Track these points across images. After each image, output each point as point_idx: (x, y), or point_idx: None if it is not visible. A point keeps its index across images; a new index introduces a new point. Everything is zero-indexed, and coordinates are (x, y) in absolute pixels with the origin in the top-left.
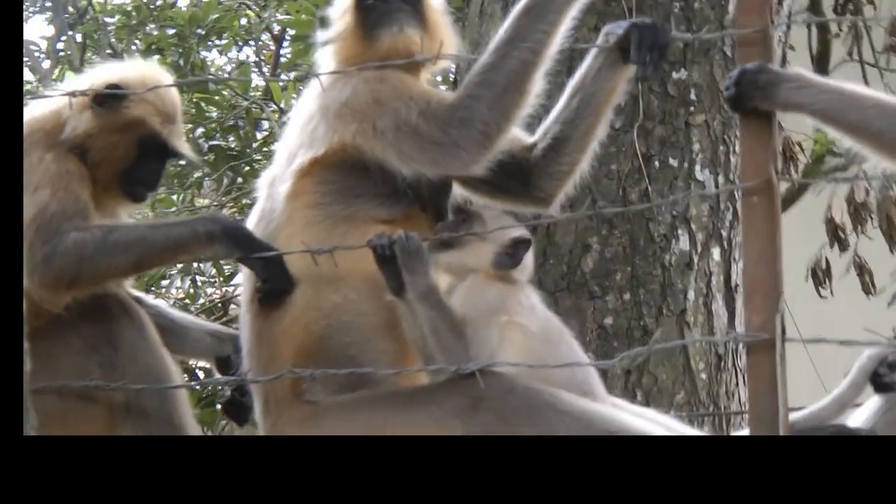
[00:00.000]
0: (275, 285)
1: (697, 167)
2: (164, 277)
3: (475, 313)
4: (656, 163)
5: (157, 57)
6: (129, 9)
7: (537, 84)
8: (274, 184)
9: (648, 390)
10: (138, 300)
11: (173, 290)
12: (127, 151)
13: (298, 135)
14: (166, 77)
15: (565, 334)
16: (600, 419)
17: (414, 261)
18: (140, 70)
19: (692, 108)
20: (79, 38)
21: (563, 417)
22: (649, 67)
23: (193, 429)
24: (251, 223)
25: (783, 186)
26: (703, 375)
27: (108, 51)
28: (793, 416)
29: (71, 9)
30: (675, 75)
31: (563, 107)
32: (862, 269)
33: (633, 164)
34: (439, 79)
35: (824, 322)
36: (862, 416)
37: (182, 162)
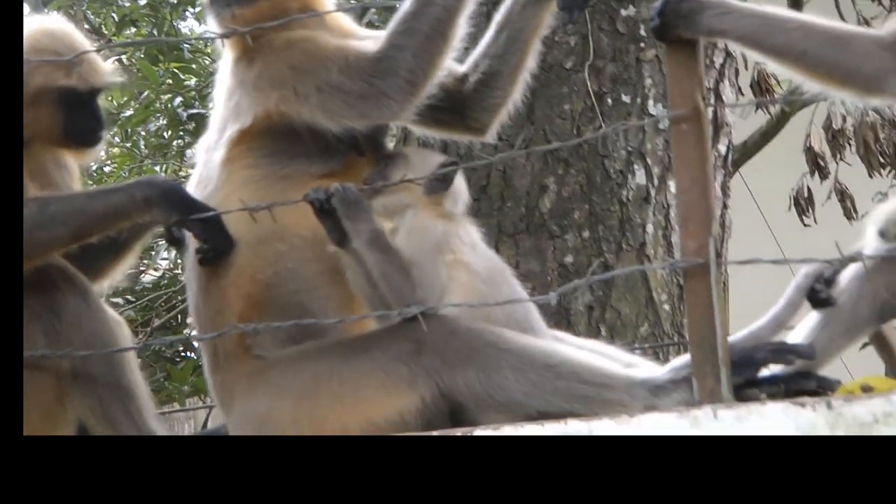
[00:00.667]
0: (214, 246)
1: (650, 102)
2: (151, 249)
3: (421, 254)
4: (609, 100)
5: (133, 30)
6: None
7: (461, 29)
8: (209, 151)
9: (612, 325)
10: None
11: (160, 262)
12: (52, 118)
13: (223, 109)
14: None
15: (506, 272)
16: (541, 354)
17: (354, 209)
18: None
19: (642, 45)
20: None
21: (505, 355)
22: (574, 12)
23: (143, 391)
24: (190, 189)
25: (762, 119)
26: (666, 307)
27: (86, 26)
28: (731, 337)
29: None
30: (623, 12)
31: (492, 41)
32: (843, 195)
33: (585, 103)
34: None
35: (809, 250)
36: (802, 333)
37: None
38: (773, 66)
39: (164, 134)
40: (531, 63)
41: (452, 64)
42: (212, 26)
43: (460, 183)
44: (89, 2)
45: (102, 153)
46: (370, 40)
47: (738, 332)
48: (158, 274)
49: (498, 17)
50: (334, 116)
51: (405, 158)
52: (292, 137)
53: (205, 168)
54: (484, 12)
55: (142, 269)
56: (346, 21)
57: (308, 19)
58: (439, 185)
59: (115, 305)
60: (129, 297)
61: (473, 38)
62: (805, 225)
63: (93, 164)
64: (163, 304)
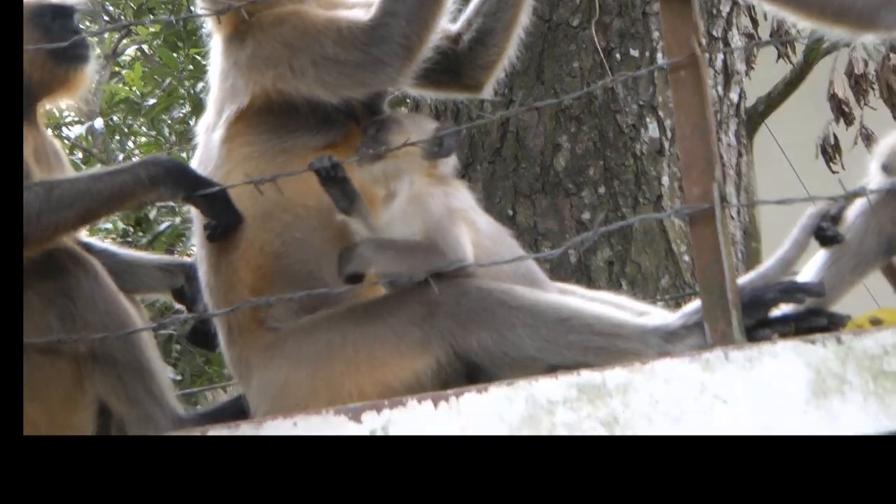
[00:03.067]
0: (221, 221)
1: (659, 55)
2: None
3: (434, 216)
4: (618, 55)
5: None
6: None
7: None
8: (208, 131)
9: (633, 278)
10: (87, 246)
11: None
12: (35, 43)
13: (219, 91)
14: None
15: (504, 231)
16: (552, 309)
17: (346, 254)
18: None
19: None
20: None
21: (517, 313)
22: None
23: (162, 370)
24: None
25: (785, 70)
26: (686, 258)
27: (105, 17)
28: (740, 280)
29: None
30: None
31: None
32: (869, 140)
33: (594, 60)
34: None
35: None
36: (810, 271)
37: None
38: (767, 8)
39: (189, 120)
40: (524, 19)
41: (446, 23)
42: (204, 3)
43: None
44: None
45: (130, 143)
46: (359, 9)
47: (747, 275)
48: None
49: None
50: (333, 88)
51: (398, 123)
52: (291, 112)
53: (205, 149)
54: None
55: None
56: None
57: None
58: (438, 150)
59: None
60: None
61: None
62: (833, 172)
63: (90, 92)
64: None
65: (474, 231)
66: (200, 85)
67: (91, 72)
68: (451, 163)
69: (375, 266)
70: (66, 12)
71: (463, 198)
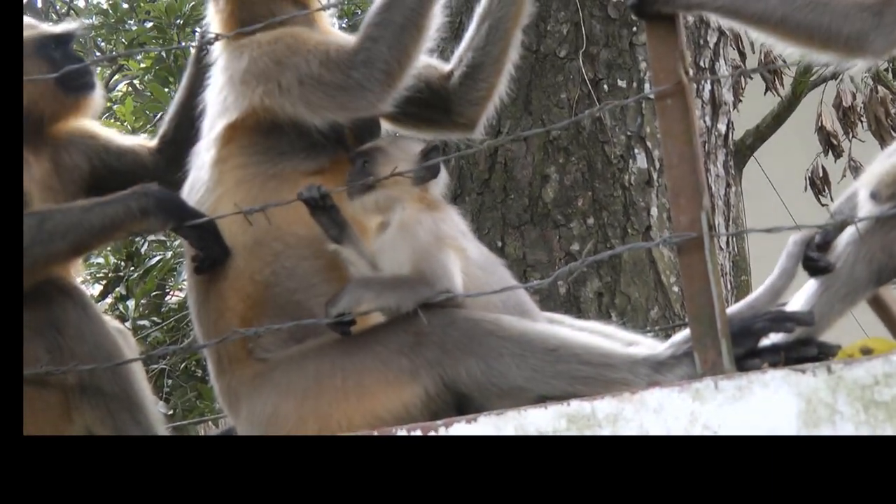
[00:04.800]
0: (208, 254)
1: (646, 85)
2: (174, 270)
3: (423, 245)
4: (605, 86)
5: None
6: (105, 7)
7: (435, 19)
8: (200, 153)
9: (622, 310)
10: None
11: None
12: (41, 73)
13: (212, 105)
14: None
15: (495, 259)
16: (540, 339)
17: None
18: None
19: (635, 29)
20: None
21: (505, 343)
22: None
23: (151, 401)
24: (185, 193)
25: (773, 103)
26: (676, 289)
27: (97, 52)
28: (730, 309)
29: (53, 14)
30: None
31: (474, 33)
32: (857, 172)
33: (582, 91)
34: None
35: None
36: (800, 301)
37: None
38: (755, 35)
39: None
40: (514, 54)
41: (439, 62)
42: (211, 21)
43: (442, 168)
44: (96, 29)
45: None
46: (353, 37)
47: (736, 304)
48: (183, 295)
49: (479, 8)
50: (316, 109)
51: (383, 152)
52: (279, 133)
53: (197, 171)
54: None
55: (167, 290)
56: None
57: (297, 18)
58: (426, 172)
59: (141, 328)
60: (154, 318)
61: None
62: (822, 204)
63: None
64: (188, 324)
65: (464, 259)
66: None
67: (98, 97)
68: (441, 186)
69: (364, 305)
70: (66, 39)
71: (454, 224)
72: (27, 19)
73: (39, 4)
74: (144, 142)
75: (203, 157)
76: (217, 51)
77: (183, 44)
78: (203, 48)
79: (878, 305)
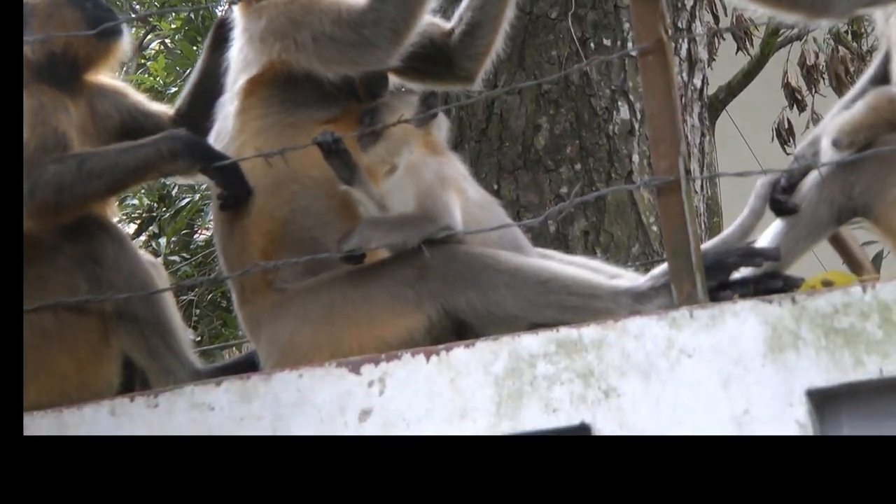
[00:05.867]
0: (232, 192)
1: (630, 44)
2: (202, 210)
3: (428, 184)
4: (592, 44)
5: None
6: None
7: None
8: (224, 105)
9: (606, 247)
10: None
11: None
12: (74, 17)
13: (234, 63)
14: None
15: (492, 200)
16: (533, 272)
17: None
18: None
19: None
20: None
21: (501, 275)
22: None
23: (181, 328)
24: (211, 140)
25: (744, 61)
26: (655, 228)
27: (132, 14)
28: (704, 245)
29: None
30: None
31: None
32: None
33: (570, 49)
34: None
35: None
36: (767, 238)
37: None
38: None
39: None
40: (509, 14)
41: (441, 21)
42: None
43: (440, 113)
44: None
45: None
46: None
47: (710, 241)
48: (210, 233)
49: None
50: (328, 63)
51: (388, 106)
52: (295, 86)
53: (222, 121)
54: None
55: (195, 229)
56: None
57: None
58: (427, 115)
59: (172, 263)
60: (184, 254)
61: None
62: (788, 154)
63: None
64: (214, 259)
65: (464, 199)
66: None
67: (126, 44)
68: (444, 132)
69: (373, 242)
70: None
71: (455, 168)
72: None
73: None
74: (167, 109)
75: (227, 108)
76: (237, 15)
77: (210, 6)
78: (217, 36)
79: (838, 243)
